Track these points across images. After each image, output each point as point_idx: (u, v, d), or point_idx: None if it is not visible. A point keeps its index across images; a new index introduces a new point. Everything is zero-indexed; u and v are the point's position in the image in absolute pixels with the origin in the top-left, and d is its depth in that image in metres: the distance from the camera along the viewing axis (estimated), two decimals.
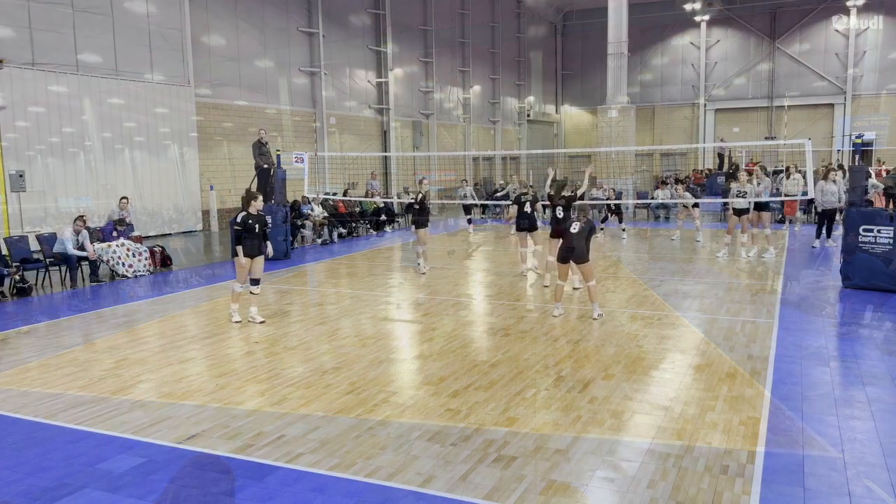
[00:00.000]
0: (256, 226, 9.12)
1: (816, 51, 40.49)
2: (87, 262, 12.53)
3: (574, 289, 10.97)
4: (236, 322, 9.17)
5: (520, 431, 5.43)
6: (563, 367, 7.07)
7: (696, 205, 17.88)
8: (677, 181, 21.90)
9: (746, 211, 14.05)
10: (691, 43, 43.38)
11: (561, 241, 9.96)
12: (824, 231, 15.83)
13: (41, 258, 12.53)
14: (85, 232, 12.49)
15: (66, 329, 9.21)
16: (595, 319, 9.08)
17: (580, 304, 10.06)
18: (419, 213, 13.08)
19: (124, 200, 14.82)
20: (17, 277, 11.51)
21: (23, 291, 11.49)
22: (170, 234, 19.47)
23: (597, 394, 6.26)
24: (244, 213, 9.13)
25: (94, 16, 17.67)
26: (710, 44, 42.90)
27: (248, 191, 9.87)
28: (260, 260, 9.26)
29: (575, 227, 9.16)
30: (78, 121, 17.40)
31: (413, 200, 13.50)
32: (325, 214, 18.87)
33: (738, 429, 5.42)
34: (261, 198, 9.45)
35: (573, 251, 9.15)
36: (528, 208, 12.29)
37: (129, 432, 5.56)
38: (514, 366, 7.16)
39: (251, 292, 9.25)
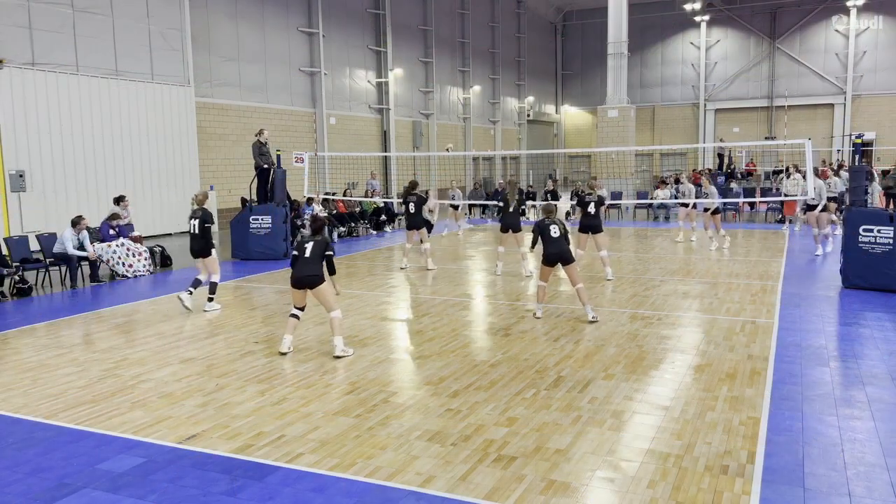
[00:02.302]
0: None
1: (816, 51, 40.48)
2: (87, 262, 12.53)
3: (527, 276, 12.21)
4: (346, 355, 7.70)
5: (520, 431, 5.43)
6: (563, 367, 7.07)
7: (694, 205, 17.72)
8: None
9: (717, 210, 16.04)
10: (691, 43, 43.36)
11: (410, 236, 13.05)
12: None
13: (41, 258, 12.54)
14: (85, 232, 12.49)
15: (66, 329, 9.20)
16: (592, 322, 8.98)
17: (581, 305, 10.03)
18: (510, 216, 12.51)
19: (124, 201, 14.79)
20: (17, 277, 11.52)
21: (23, 291, 11.49)
22: (170, 234, 19.47)
23: (597, 394, 6.26)
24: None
25: (94, 16, 17.68)
26: (710, 44, 42.88)
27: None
28: None
29: (555, 232, 9.16)
30: (78, 121, 17.39)
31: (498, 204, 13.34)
32: (326, 213, 18.87)
33: (738, 429, 5.42)
34: None
35: (558, 254, 9.14)
36: (591, 209, 12.01)
37: (129, 432, 5.56)
38: (514, 366, 7.16)
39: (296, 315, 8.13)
